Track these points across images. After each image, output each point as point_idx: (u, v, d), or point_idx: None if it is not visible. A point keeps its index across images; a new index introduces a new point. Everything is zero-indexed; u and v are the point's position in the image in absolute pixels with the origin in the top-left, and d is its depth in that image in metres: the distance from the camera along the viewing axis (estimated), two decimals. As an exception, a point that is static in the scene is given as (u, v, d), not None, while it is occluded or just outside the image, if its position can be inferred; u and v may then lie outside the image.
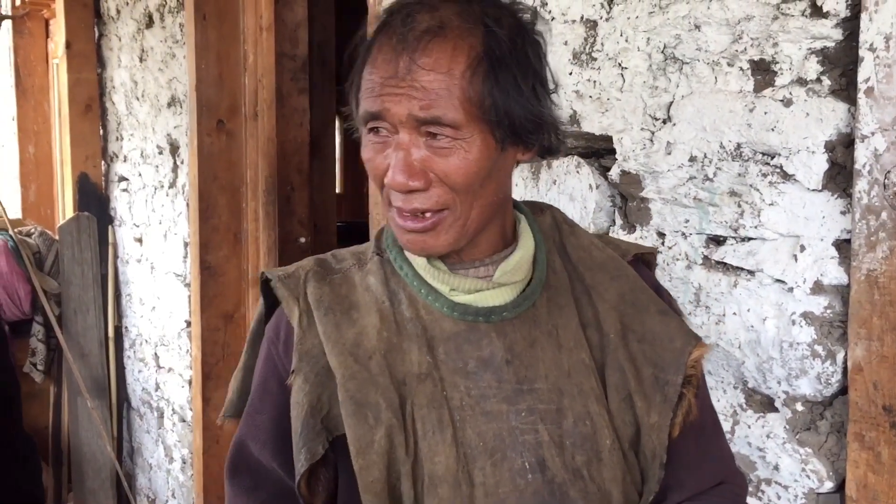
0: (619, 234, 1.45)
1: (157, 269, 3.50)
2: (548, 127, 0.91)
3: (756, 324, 1.25)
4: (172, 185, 3.29)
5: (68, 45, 3.80)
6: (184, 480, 3.42)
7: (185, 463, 3.39)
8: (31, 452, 1.42)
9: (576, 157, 1.51)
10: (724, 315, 1.29)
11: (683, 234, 1.35)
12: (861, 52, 1.08)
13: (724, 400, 1.31)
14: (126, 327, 3.89)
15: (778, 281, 1.22)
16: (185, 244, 3.18)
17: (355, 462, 0.87)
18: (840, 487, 1.18)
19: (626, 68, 1.40)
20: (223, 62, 2.85)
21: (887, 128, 1.05)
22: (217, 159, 2.88)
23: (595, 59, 1.45)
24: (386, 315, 0.94)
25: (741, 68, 1.23)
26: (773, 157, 1.21)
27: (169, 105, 3.27)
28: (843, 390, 1.16)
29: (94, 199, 3.88)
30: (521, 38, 0.89)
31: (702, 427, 0.98)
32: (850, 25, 1.11)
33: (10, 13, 4.49)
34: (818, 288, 1.17)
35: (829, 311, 1.16)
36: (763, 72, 1.21)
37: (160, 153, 3.37)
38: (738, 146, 1.25)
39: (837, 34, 1.12)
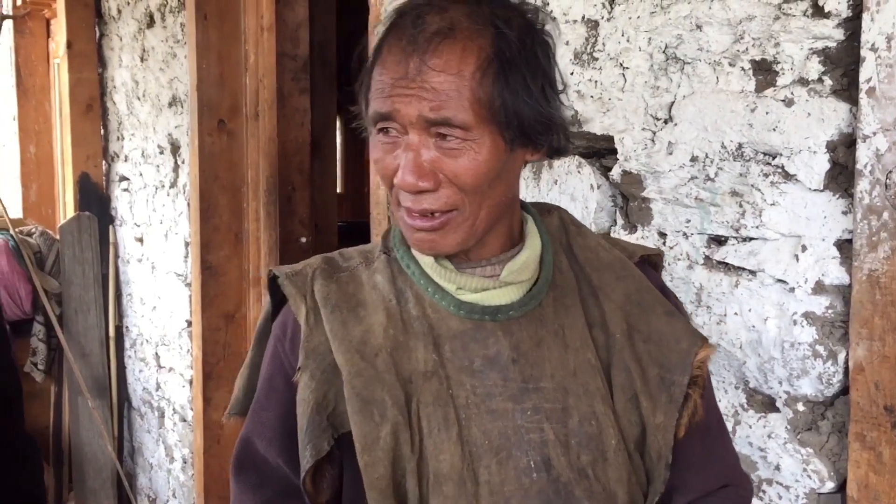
0: (620, 234, 1.45)
1: (158, 269, 3.50)
2: (557, 128, 0.91)
3: (757, 324, 1.25)
4: (173, 184, 3.29)
5: (69, 45, 3.80)
6: (184, 480, 3.42)
7: (185, 462, 3.39)
8: (32, 452, 1.42)
9: (577, 157, 1.51)
10: (725, 315, 1.29)
11: (685, 234, 1.35)
12: (863, 52, 1.08)
13: (725, 400, 1.31)
14: (127, 327, 3.90)
15: (779, 281, 1.22)
16: (186, 244, 3.19)
17: (360, 458, 0.87)
18: (841, 488, 1.18)
19: (627, 68, 1.40)
20: (224, 62, 2.85)
21: (889, 128, 1.05)
22: (218, 159, 2.88)
23: (596, 59, 1.45)
24: (392, 313, 0.94)
25: (743, 68, 1.23)
26: (774, 157, 1.21)
27: (170, 105, 3.27)
28: (844, 390, 1.16)
29: (95, 199, 3.88)
30: (531, 38, 0.90)
31: (707, 429, 0.98)
32: (852, 25, 1.11)
33: (11, 13, 4.49)
34: (820, 288, 1.17)
35: (830, 311, 1.16)
36: (764, 72, 1.21)
37: (161, 153, 3.37)
38: (740, 146, 1.25)
39: (839, 34, 1.12)
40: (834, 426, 1.18)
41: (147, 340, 3.69)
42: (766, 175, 1.22)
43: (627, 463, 0.91)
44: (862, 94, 1.08)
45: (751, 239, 1.25)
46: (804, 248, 1.18)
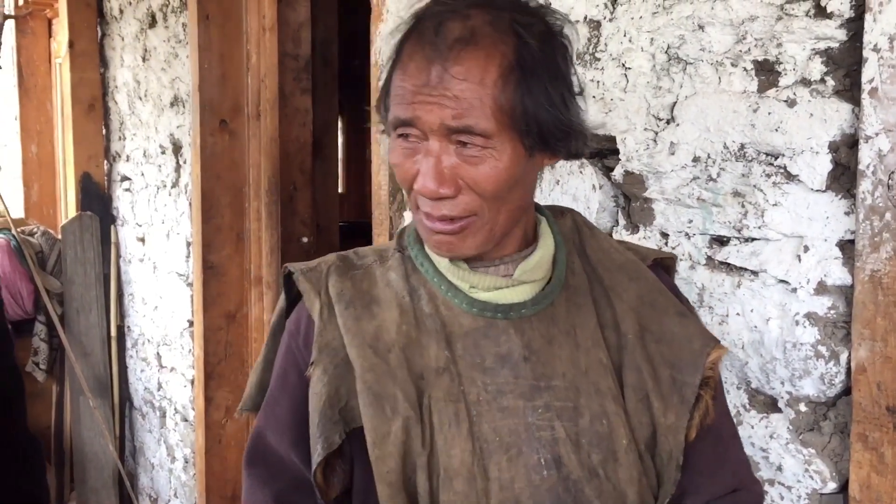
0: (622, 234, 1.45)
1: (160, 269, 3.50)
2: (575, 133, 0.92)
3: (759, 324, 1.25)
4: (175, 184, 3.29)
5: (71, 45, 3.80)
6: (186, 480, 3.42)
7: (187, 462, 3.39)
8: (32, 452, 1.42)
9: (579, 157, 1.51)
10: (727, 315, 1.29)
11: (687, 234, 1.35)
12: (865, 53, 1.07)
13: (727, 400, 1.31)
14: (128, 327, 3.90)
15: (781, 281, 1.22)
16: (188, 244, 3.19)
17: (371, 452, 0.87)
18: (843, 488, 1.18)
19: (629, 68, 1.40)
20: (226, 62, 2.85)
21: (891, 128, 1.05)
22: (220, 159, 2.88)
23: (598, 60, 1.45)
24: (406, 310, 0.95)
25: (745, 69, 1.23)
26: (776, 158, 1.21)
27: (172, 105, 3.27)
28: (846, 391, 1.16)
29: (96, 199, 3.89)
30: (551, 44, 0.90)
31: (719, 432, 0.98)
32: (854, 26, 1.11)
33: (13, 12, 4.50)
34: (822, 288, 1.17)
35: (832, 311, 1.16)
36: (767, 72, 1.21)
37: (163, 153, 3.38)
38: (742, 146, 1.25)
39: (841, 35, 1.12)
40: (836, 427, 1.18)
41: (148, 340, 3.69)
42: (769, 175, 1.22)
43: (638, 463, 0.91)
44: (864, 95, 1.08)
45: (753, 239, 1.25)
46: (806, 249, 1.18)
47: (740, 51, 1.24)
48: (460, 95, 0.84)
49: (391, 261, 1.00)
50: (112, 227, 3.90)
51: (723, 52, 1.26)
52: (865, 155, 1.08)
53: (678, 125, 1.33)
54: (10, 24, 4.46)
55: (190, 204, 3.08)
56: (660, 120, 1.36)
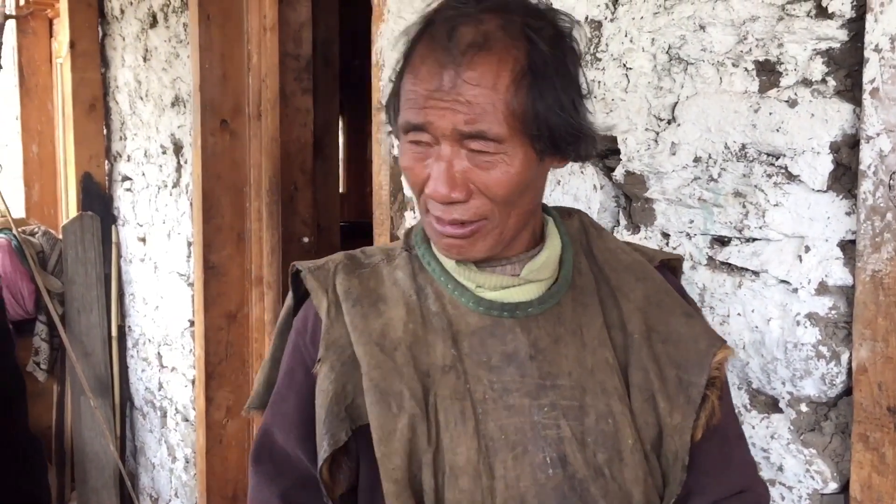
0: (622, 234, 1.45)
1: (161, 269, 3.50)
2: (585, 137, 0.92)
3: (760, 324, 1.25)
4: (176, 184, 3.29)
5: (72, 45, 3.80)
6: (186, 480, 3.42)
7: (188, 462, 3.39)
8: (33, 453, 1.42)
9: (580, 157, 1.51)
10: (728, 316, 1.29)
11: (688, 234, 1.35)
12: (866, 53, 1.07)
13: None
14: (129, 327, 3.90)
15: (782, 282, 1.22)
16: (189, 244, 3.19)
17: (377, 449, 0.88)
18: (844, 488, 1.18)
19: (630, 69, 1.40)
20: (227, 62, 2.85)
21: (892, 129, 1.05)
22: (220, 159, 2.88)
23: (600, 60, 1.45)
24: (412, 308, 0.95)
25: (746, 69, 1.23)
26: (777, 158, 1.21)
27: (173, 105, 3.27)
28: (847, 391, 1.16)
29: (97, 199, 3.89)
30: (561, 47, 0.90)
31: (725, 432, 0.98)
32: (856, 26, 1.11)
33: (14, 13, 4.50)
34: (823, 289, 1.17)
35: (833, 311, 1.16)
36: (768, 72, 1.21)
37: (164, 153, 3.38)
38: (743, 147, 1.25)
39: (843, 35, 1.12)
40: (837, 427, 1.18)
41: (149, 340, 3.69)
42: (770, 176, 1.22)
43: (644, 463, 0.91)
44: (865, 95, 1.08)
45: (754, 240, 1.25)
46: (807, 249, 1.18)
47: (741, 51, 1.24)
48: (473, 101, 0.84)
49: (398, 260, 1.00)
50: (113, 226, 3.90)
51: (724, 53, 1.26)
52: (866, 155, 1.08)
53: (679, 125, 1.33)
54: (11, 24, 4.46)
55: (191, 204, 3.08)
56: (661, 120, 1.36)
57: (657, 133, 1.37)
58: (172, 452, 3.55)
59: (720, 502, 0.97)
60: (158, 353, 3.60)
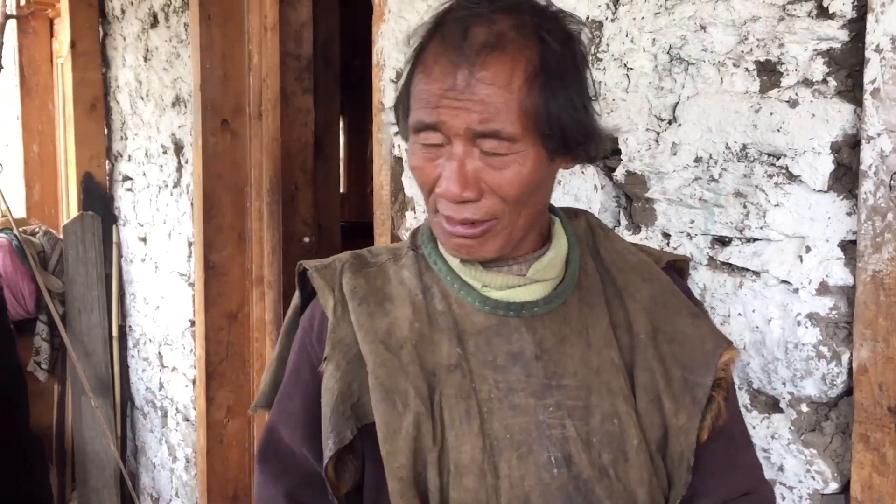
0: (623, 234, 1.45)
1: (162, 269, 3.50)
2: (595, 137, 0.93)
3: (761, 325, 1.25)
4: (177, 184, 3.30)
5: (73, 45, 3.80)
6: (187, 479, 3.42)
7: (188, 462, 3.39)
8: (34, 453, 1.41)
9: (581, 157, 1.51)
10: (729, 316, 1.29)
11: (689, 234, 1.35)
12: (867, 54, 1.08)
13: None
14: (130, 326, 3.90)
15: (783, 282, 1.22)
16: (190, 243, 3.19)
17: (383, 447, 0.88)
18: (845, 489, 1.18)
19: (631, 69, 1.40)
20: (228, 62, 2.85)
21: (893, 129, 1.05)
22: (221, 159, 2.88)
23: (600, 60, 1.45)
24: (419, 307, 0.95)
25: (747, 69, 1.23)
26: (778, 158, 1.21)
27: (173, 105, 3.28)
28: (848, 391, 1.16)
29: (98, 199, 3.89)
30: (571, 49, 0.90)
31: (731, 434, 0.98)
32: (857, 27, 1.11)
33: (14, 12, 4.50)
34: (823, 289, 1.17)
35: (834, 312, 1.16)
36: (769, 73, 1.21)
37: (164, 153, 3.38)
38: (744, 147, 1.25)
39: (843, 35, 1.12)
40: (838, 427, 1.18)
41: (150, 340, 3.69)
42: (771, 176, 1.22)
43: (649, 464, 0.91)
44: (866, 96, 1.08)
45: (755, 240, 1.25)
46: (808, 249, 1.18)
47: (742, 51, 1.24)
48: (487, 100, 0.84)
49: (405, 259, 1.00)
50: (114, 226, 3.90)
51: (725, 53, 1.26)
52: (867, 155, 1.08)
53: (680, 125, 1.33)
54: (11, 24, 4.47)
55: (191, 204, 3.08)
56: (662, 120, 1.36)
57: (658, 133, 1.37)
58: (173, 452, 3.55)
59: None
60: (159, 353, 3.60)
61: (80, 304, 3.79)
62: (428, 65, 0.88)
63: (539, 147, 0.87)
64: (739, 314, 1.28)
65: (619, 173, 1.44)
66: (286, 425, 1.00)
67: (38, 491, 1.41)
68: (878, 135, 1.07)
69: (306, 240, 2.99)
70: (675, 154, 1.34)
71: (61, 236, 3.87)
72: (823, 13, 1.14)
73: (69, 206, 4.08)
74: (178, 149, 3.26)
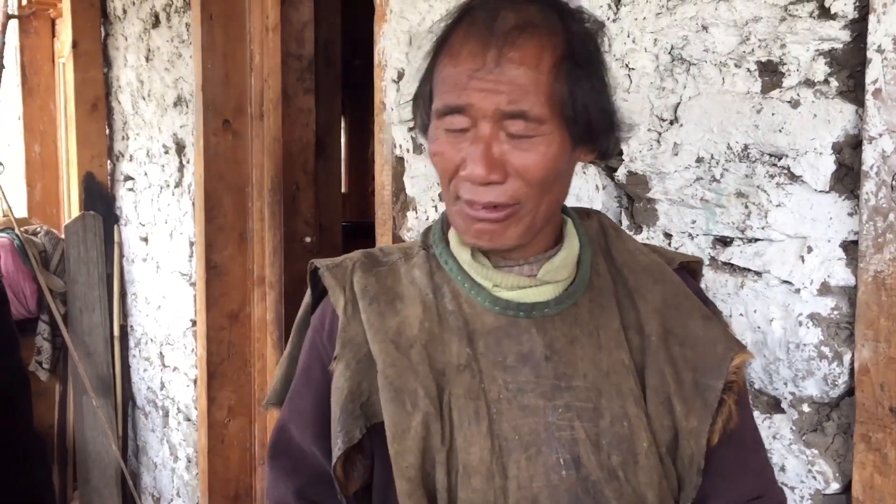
0: (625, 234, 1.45)
1: (163, 269, 3.51)
2: (616, 128, 0.94)
3: (763, 325, 1.25)
4: (178, 184, 3.30)
5: (75, 45, 3.80)
6: (188, 479, 3.43)
7: (189, 462, 3.40)
8: (36, 452, 1.41)
9: (582, 157, 1.51)
10: (730, 316, 1.29)
11: (690, 234, 1.35)
12: (869, 54, 1.08)
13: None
14: (131, 326, 3.90)
15: (785, 282, 1.22)
16: (191, 243, 3.19)
17: (391, 447, 0.88)
18: (846, 489, 1.18)
19: (633, 69, 1.40)
20: (229, 62, 2.85)
21: (895, 129, 1.05)
22: (223, 159, 2.88)
23: (602, 60, 1.45)
24: (429, 307, 0.95)
25: (748, 69, 1.24)
26: (780, 159, 1.21)
27: (175, 105, 3.28)
28: (849, 392, 1.16)
29: (99, 199, 3.89)
30: (593, 42, 0.92)
31: (742, 437, 0.97)
32: (858, 27, 1.11)
33: (16, 12, 4.50)
34: (825, 289, 1.17)
35: (836, 312, 1.16)
36: (770, 73, 1.21)
37: (166, 152, 3.38)
38: (746, 147, 1.25)
39: (845, 36, 1.12)
40: (839, 427, 1.18)
41: (151, 340, 3.69)
42: (772, 176, 1.22)
43: (658, 466, 0.90)
44: (868, 96, 1.08)
45: (756, 240, 1.25)
46: (810, 250, 1.18)
47: (744, 51, 1.24)
48: (516, 80, 0.85)
49: (416, 258, 1.00)
50: (115, 226, 3.90)
51: (726, 53, 1.26)
52: (869, 156, 1.08)
53: (682, 126, 1.33)
54: (13, 24, 4.47)
55: (193, 204, 3.09)
56: (663, 120, 1.36)
57: (659, 133, 1.37)
58: (174, 452, 3.55)
59: None
60: (160, 353, 3.61)
61: (82, 303, 3.80)
62: (455, 49, 0.88)
63: (564, 132, 0.88)
64: (741, 314, 1.28)
65: (621, 173, 1.44)
66: (296, 423, 1.01)
67: (41, 491, 1.41)
68: (880, 135, 1.07)
69: (308, 240, 2.99)
70: (676, 154, 1.34)
71: (63, 236, 3.87)
72: (825, 13, 1.14)
73: (71, 205, 4.08)
74: (180, 149, 3.26)
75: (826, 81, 1.15)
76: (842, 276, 1.15)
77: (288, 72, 2.87)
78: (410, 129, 0.99)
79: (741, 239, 1.27)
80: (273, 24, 2.82)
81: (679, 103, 1.34)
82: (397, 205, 1.96)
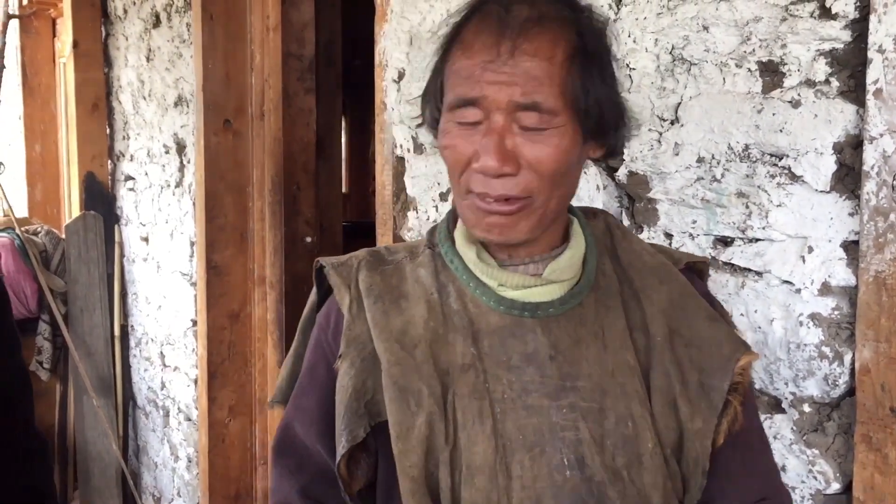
0: (626, 234, 1.45)
1: (164, 268, 3.51)
2: (626, 123, 0.94)
3: (763, 325, 1.25)
4: (179, 184, 3.30)
5: (75, 45, 3.81)
6: (189, 479, 3.43)
7: (190, 462, 3.40)
8: (37, 452, 1.41)
9: (583, 157, 1.51)
10: (731, 316, 1.29)
11: (691, 234, 1.35)
12: (870, 54, 1.08)
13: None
14: (132, 326, 3.91)
15: (785, 282, 1.22)
16: (192, 243, 3.19)
17: (395, 446, 0.88)
18: (847, 489, 1.18)
19: (633, 69, 1.40)
20: (230, 62, 2.85)
21: (896, 129, 1.05)
22: (223, 159, 2.89)
23: (603, 60, 1.45)
24: (434, 306, 0.95)
25: (749, 69, 1.24)
26: (781, 159, 1.21)
27: (175, 104, 3.28)
28: (850, 392, 1.16)
29: (100, 198, 3.89)
30: (604, 37, 0.93)
31: (748, 439, 0.97)
32: (859, 27, 1.11)
33: (17, 12, 4.50)
34: (826, 289, 1.17)
35: (836, 312, 1.16)
36: (771, 73, 1.21)
37: (167, 152, 3.38)
38: (746, 147, 1.25)
39: (846, 36, 1.12)
40: (840, 428, 1.18)
41: (152, 339, 3.70)
42: (773, 176, 1.22)
43: (663, 467, 0.90)
44: (869, 96, 1.08)
45: (757, 240, 1.25)
46: (810, 250, 1.18)
47: (745, 52, 1.24)
48: (530, 72, 0.85)
49: (421, 257, 1.00)
50: (116, 226, 3.91)
51: (727, 53, 1.26)
52: (870, 156, 1.08)
53: (682, 126, 1.33)
54: (14, 24, 4.47)
55: (193, 203, 3.09)
56: (664, 121, 1.36)
57: (660, 133, 1.37)
58: (175, 452, 3.55)
59: None
60: (161, 353, 3.61)
61: (83, 303, 3.80)
62: (468, 41, 0.88)
63: (576, 125, 0.88)
64: (742, 314, 1.28)
65: (622, 173, 1.44)
66: (301, 421, 1.01)
67: (42, 490, 1.41)
68: (881, 135, 1.07)
69: (308, 240, 2.99)
70: (677, 154, 1.34)
71: (63, 236, 3.87)
72: (826, 14, 1.14)
73: (71, 205, 4.08)
74: (181, 149, 3.26)
75: (827, 81, 1.15)
76: (842, 276, 1.15)
77: (289, 72, 2.87)
78: (419, 126, 0.98)
79: (742, 239, 1.27)
80: (274, 24, 2.82)
81: (680, 103, 1.34)
82: (398, 205, 1.96)
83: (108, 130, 3.94)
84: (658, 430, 0.91)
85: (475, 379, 0.91)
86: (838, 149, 1.14)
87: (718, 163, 1.29)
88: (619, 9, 1.42)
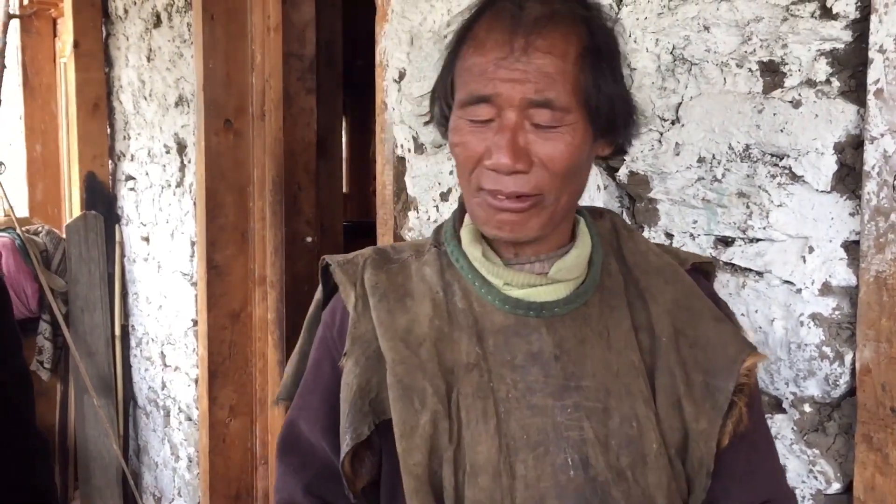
0: (626, 234, 1.45)
1: (164, 268, 3.51)
2: (636, 120, 0.94)
3: (764, 325, 1.25)
4: (179, 184, 3.30)
5: (76, 45, 3.81)
6: (190, 479, 3.43)
7: (191, 461, 3.40)
8: (38, 451, 1.41)
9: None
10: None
11: (692, 234, 1.35)
12: (870, 54, 1.08)
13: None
14: (133, 326, 3.91)
15: (786, 282, 1.22)
16: (192, 243, 3.19)
17: (399, 444, 0.88)
18: (848, 489, 1.18)
19: (634, 69, 1.40)
20: (231, 62, 2.86)
21: (897, 129, 1.05)
22: (224, 159, 2.89)
23: (603, 60, 1.45)
24: (439, 305, 0.95)
25: (750, 69, 1.24)
26: (781, 159, 1.21)
27: (176, 104, 3.28)
28: (851, 392, 1.16)
29: (101, 198, 3.89)
30: (614, 35, 0.93)
31: (753, 440, 0.97)
32: (860, 27, 1.11)
33: (17, 12, 4.51)
34: (827, 289, 1.17)
35: (837, 312, 1.16)
36: (772, 73, 1.21)
37: (167, 152, 3.38)
38: (747, 147, 1.25)
39: (847, 36, 1.12)
40: (840, 428, 1.18)
41: (153, 339, 3.70)
42: (774, 176, 1.22)
43: (668, 468, 0.90)
44: (870, 96, 1.08)
45: (758, 240, 1.25)
46: (811, 250, 1.18)
47: (745, 52, 1.24)
48: (543, 69, 0.85)
49: (427, 256, 1.00)
50: (116, 226, 3.91)
51: (728, 53, 1.26)
52: (871, 156, 1.08)
53: (683, 126, 1.33)
54: (14, 24, 4.47)
55: (194, 203, 3.09)
56: (665, 120, 1.36)
57: (661, 133, 1.37)
58: (175, 451, 3.55)
59: None
60: (161, 353, 3.61)
61: (83, 303, 3.80)
62: (480, 38, 0.88)
63: (587, 123, 0.88)
64: (742, 314, 1.28)
65: (622, 173, 1.44)
66: (306, 419, 1.01)
67: (43, 490, 1.41)
68: (882, 135, 1.07)
69: (309, 240, 2.99)
70: (678, 154, 1.34)
71: (64, 236, 3.87)
72: (827, 14, 1.14)
73: (72, 205, 4.08)
74: (181, 148, 3.26)
75: (828, 81, 1.15)
76: (843, 276, 1.15)
77: (289, 72, 2.87)
78: (426, 123, 0.98)
79: (742, 239, 1.27)
80: (274, 24, 2.82)
81: (681, 103, 1.34)
82: (399, 204, 1.96)
83: (108, 130, 3.94)
84: (662, 431, 0.91)
85: (479, 378, 0.90)
86: (839, 149, 1.14)
87: (719, 163, 1.29)
88: (619, 9, 1.42)
